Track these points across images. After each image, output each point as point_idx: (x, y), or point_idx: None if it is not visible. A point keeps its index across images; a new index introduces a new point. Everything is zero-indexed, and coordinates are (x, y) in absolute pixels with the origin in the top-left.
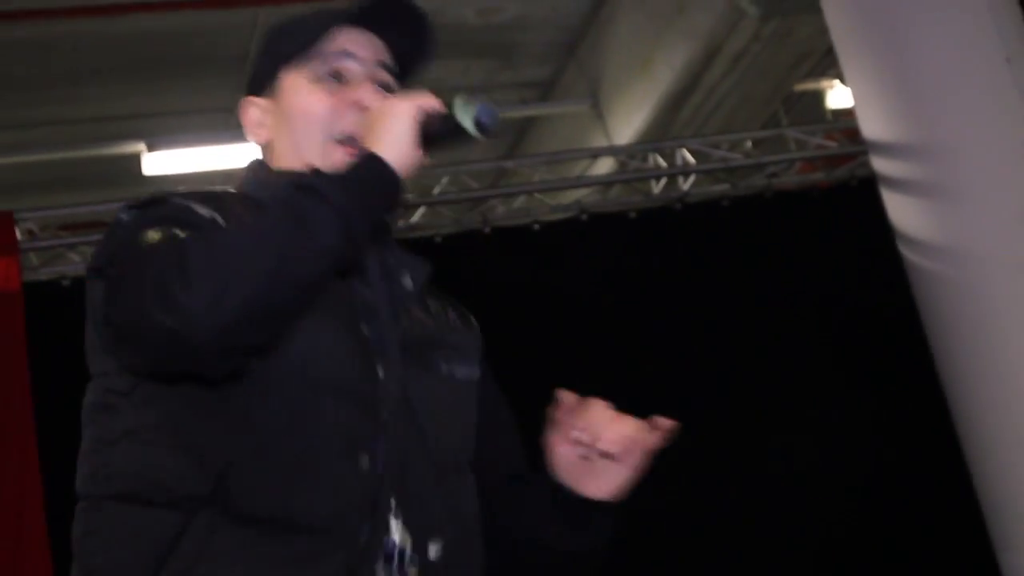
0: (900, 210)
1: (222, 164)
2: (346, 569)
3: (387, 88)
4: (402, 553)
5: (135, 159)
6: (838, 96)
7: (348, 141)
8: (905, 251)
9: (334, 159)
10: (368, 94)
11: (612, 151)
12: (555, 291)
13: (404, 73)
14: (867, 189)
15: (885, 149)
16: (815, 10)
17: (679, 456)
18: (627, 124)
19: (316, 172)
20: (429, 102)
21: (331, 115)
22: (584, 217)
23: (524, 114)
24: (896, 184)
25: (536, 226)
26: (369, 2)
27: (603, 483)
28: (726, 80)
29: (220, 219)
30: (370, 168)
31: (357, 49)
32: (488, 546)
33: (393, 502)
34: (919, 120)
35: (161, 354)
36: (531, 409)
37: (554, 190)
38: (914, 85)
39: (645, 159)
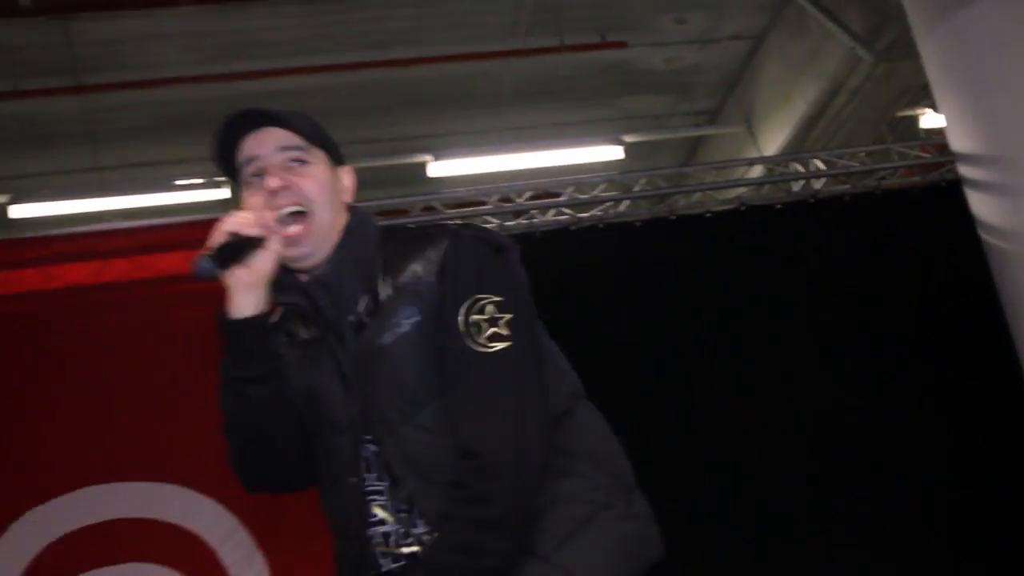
0: (981, 205)
1: (491, 167)
2: (361, 555)
3: (297, 159)
4: (388, 534)
5: (422, 166)
6: (929, 120)
7: (289, 218)
8: (986, 237)
9: (290, 233)
10: (272, 180)
11: (763, 160)
12: (722, 268)
13: (304, 132)
14: (954, 189)
15: (968, 159)
16: (914, 56)
17: (796, 446)
18: (773, 141)
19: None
20: (212, 240)
21: (266, 209)
22: (743, 208)
23: (697, 134)
24: (977, 185)
25: (708, 214)
26: (233, 117)
27: None
28: (846, 108)
29: None
30: (225, 331)
31: (256, 150)
32: None
33: (375, 499)
34: (994, 137)
35: None
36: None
37: (721, 188)
38: (990, 111)
39: (787, 166)
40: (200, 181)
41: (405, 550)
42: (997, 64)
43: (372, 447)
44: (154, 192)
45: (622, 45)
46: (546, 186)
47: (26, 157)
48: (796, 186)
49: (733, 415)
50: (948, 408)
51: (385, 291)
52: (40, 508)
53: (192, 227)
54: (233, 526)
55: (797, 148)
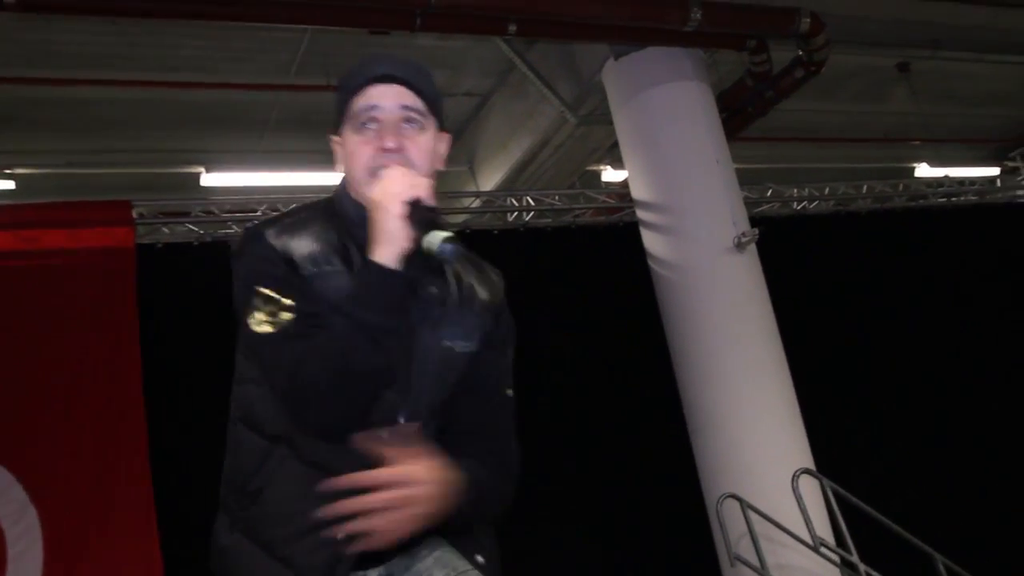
0: (652, 242)
1: (257, 182)
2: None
3: (411, 120)
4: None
5: (196, 176)
6: (608, 175)
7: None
8: (655, 268)
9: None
10: (390, 139)
11: (487, 194)
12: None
13: (427, 96)
14: (630, 229)
15: (645, 205)
16: (606, 122)
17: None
18: (490, 180)
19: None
20: (412, 192)
21: (368, 159)
22: (468, 231)
23: None
24: (651, 226)
25: None
26: (381, 71)
27: None
28: (550, 159)
29: (294, 307)
30: (375, 276)
31: (380, 100)
32: None
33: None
34: (666, 189)
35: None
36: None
37: (450, 213)
38: (664, 168)
39: (505, 200)
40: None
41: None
42: (670, 132)
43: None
44: None
45: None
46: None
47: None
48: (510, 217)
49: None
50: (613, 412)
51: (453, 290)
52: None
53: None
54: (8, 481)
55: (509, 187)
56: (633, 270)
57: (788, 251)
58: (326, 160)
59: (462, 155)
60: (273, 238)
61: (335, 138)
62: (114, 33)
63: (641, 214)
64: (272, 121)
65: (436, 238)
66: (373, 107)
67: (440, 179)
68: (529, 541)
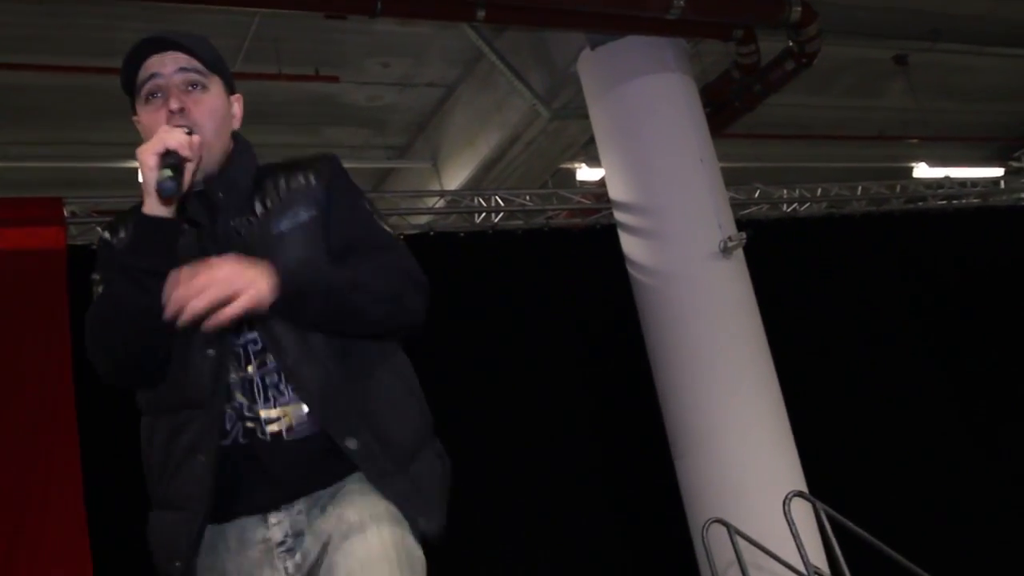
0: (631, 246)
1: None
2: (207, 425)
3: (193, 82)
4: (240, 407)
5: (134, 171)
6: (583, 173)
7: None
8: (634, 273)
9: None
10: (173, 101)
11: (453, 193)
12: None
13: (204, 58)
14: (607, 232)
15: (623, 206)
16: (581, 117)
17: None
18: (455, 178)
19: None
20: (160, 146)
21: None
22: (432, 233)
23: (388, 166)
24: (629, 229)
25: (401, 236)
26: (153, 38)
27: None
28: (520, 156)
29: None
30: (137, 226)
31: (158, 68)
32: None
33: (233, 375)
34: (646, 188)
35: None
36: None
37: (413, 214)
38: (643, 166)
39: (472, 200)
40: None
41: (250, 425)
42: (651, 128)
43: (249, 335)
44: None
45: (334, 79)
46: None
47: None
48: (478, 218)
49: None
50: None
51: (273, 199)
52: None
53: None
54: None
55: (476, 186)
56: (611, 277)
57: (777, 257)
58: (279, 153)
59: (425, 151)
60: (104, 232)
61: (135, 118)
62: (43, 14)
63: (619, 216)
64: None
65: (162, 177)
66: (152, 76)
67: (401, 177)
68: (499, 568)
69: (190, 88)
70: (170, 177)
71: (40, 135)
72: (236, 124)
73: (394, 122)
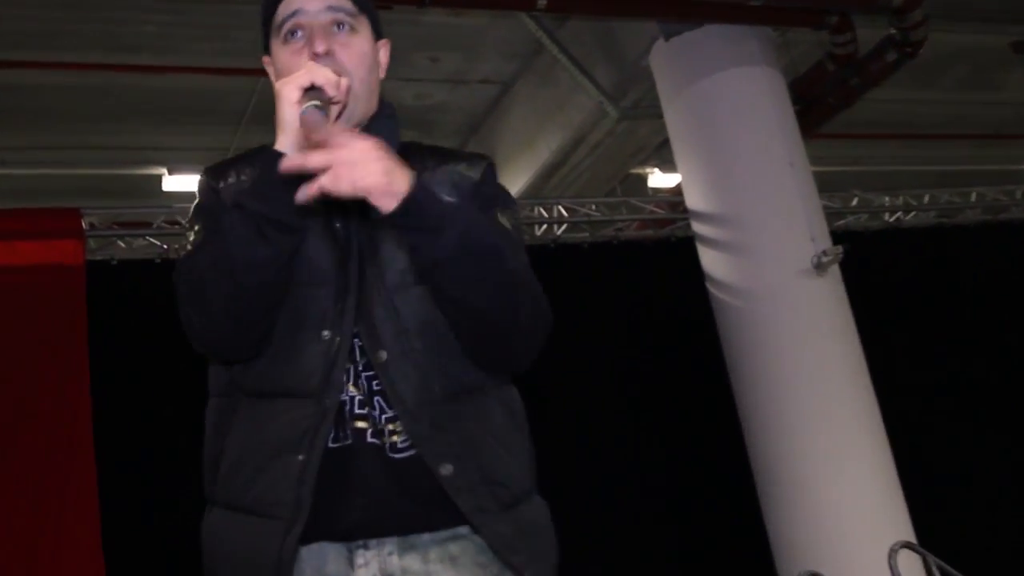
0: (711, 261)
1: None
2: (315, 420)
3: (340, 23)
4: (351, 404)
5: (158, 179)
6: (656, 179)
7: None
8: (714, 292)
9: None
10: (319, 43)
11: None
12: None
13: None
14: (683, 245)
15: (702, 216)
16: (654, 116)
17: None
18: (511, 186)
19: (247, 186)
20: (306, 80)
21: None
22: None
23: None
24: (709, 242)
25: None
26: None
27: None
28: (585, 161)
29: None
30: (263, 163)
31: (303, 4)
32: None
33: (351, 367)
34: (727, 197)
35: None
36: None
37: None
38: (723, 173)
39: (532, 210)
40: None
41: (360, 424)
42: (733, 128)
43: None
44: None
45: None
46: None
47: None
48: (538, 230)
49: None
50: (666, 470)
51: (420, 170)
52: None
53: None
54: None
55: (535, 194)
56: (688, 296)
57: (879, 273)
58: None
59: None
60: (206, 175)
61: (266, 58)
62: (59, 6)
63: (698, 227)
64: (248, 113)
65: (307, 105)
66: (296, 12)
67: None
68: None
69: (336, 29)
70: (317, 106)
71: (53, 139)
72: (382, 73)
73: (444, 123)
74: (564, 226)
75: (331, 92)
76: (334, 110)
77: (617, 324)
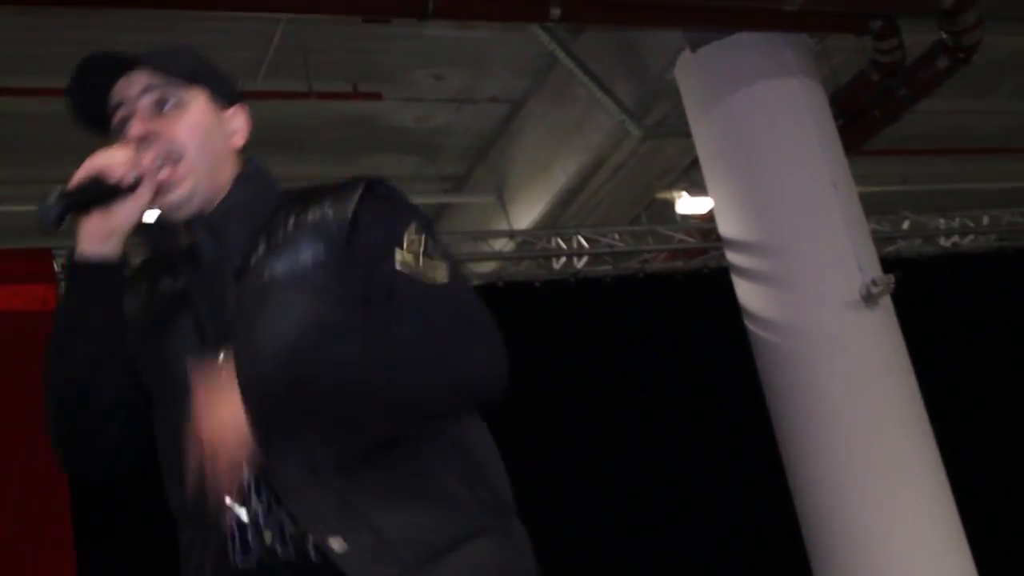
0: (748, 294)
1: None
2: (206, 546)
3: (162, 101)
4: (243, 525)
5: None
6: (684, 204)
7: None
8: (752, 327)
9: (161, 178)
10: (134, 128)
11: (525, 233)
12: None
13: (177, 70)
14: (717, 276)
15: (737, 245)
16: (680, 134)
17: None
18: (526, 215)
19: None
20: (82, 173)
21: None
22: (501, 284)
23: (443, 201)
24: (745, 273)
25: None
26: (95, 61)
27: None
28: (606, 185)
29: None
30: (72, 270)
31: (122, 95)
32: None
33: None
34: (764, 224)
35: None
36: None
37: (477, 260)
38: (758, 196)
39: (548, 241)
40: None
41: (267, 540)
42: (769, 146)
43: None
44: None
45: (376, 96)
46: None
47: None
48: (557, 263)
49: None
50: (703, 522)
51: (278, 234)
52: None
53: None
54: None
55: (552, 224)
56: (723, 332)
57: (935, 303)
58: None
59: (488, 182)
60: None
61: None
62: (26, 27)
63: (732, 257)
64: None
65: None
66: (119, 104)
67: (460, 214)
68: None
69: (161, 108)
70: (57, 197)
71: (23, 171)
72: (238, 141)
73: (450, 147)
74: (584, 258)
75: (119, 172)
76: (144, 192)
77: (645, 365)
